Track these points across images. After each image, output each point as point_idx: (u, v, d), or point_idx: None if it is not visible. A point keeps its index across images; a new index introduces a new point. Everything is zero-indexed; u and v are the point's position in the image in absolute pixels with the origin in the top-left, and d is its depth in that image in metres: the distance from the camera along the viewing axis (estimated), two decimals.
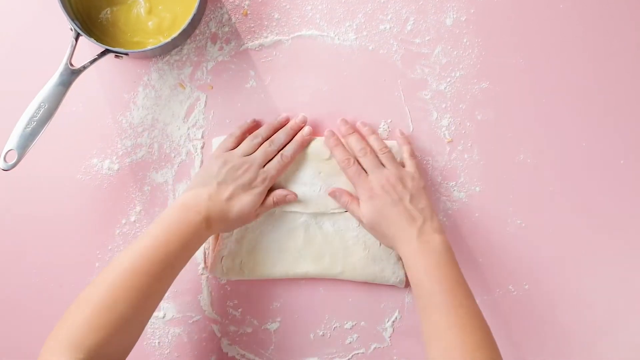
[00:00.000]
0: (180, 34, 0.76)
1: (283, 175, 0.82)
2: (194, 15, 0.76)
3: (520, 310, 0.85)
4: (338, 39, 0.85)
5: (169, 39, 0.76)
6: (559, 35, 0.85)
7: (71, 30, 0.75)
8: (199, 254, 0.84)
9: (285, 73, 0.85)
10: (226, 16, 0.84)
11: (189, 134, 0.84)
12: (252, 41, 0.85)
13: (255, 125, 0.83)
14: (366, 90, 0.85)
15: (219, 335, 0.85)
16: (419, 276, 0.70)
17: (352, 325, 0.85)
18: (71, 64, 0.74)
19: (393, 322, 0.85)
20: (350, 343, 0.85)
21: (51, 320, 0.82)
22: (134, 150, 0.84)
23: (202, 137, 0.84)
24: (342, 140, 0.81)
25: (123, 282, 0.65)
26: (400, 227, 0.74)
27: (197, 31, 0.84)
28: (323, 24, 0.85)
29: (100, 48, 0.75)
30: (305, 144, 0.81)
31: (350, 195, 0.80)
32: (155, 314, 0.84)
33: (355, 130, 0.81)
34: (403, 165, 0.80)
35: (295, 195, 0.80)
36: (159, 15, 0.80)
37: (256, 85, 0.85)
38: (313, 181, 0.82)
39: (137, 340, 0.67)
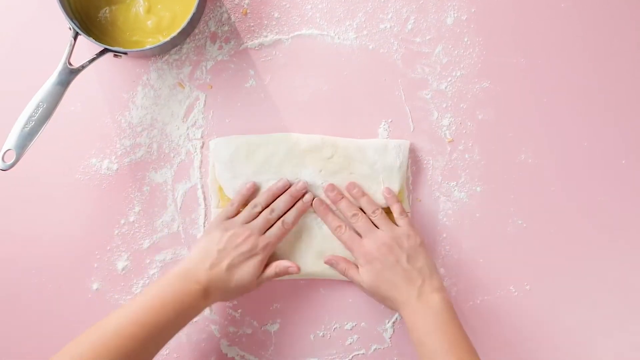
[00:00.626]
0: (179, 33, 0.76)
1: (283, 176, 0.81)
2: (193, 14, 0.76)
3: (522, 311, 0.84)
4: (338, 38, 0.84)
5: (168, 38, 0.76)
6: (560, 35, 0.85)
7: (70, 29, 0.75)
8: None
9: (285, 72, 0.84)
10: (225, 15, 0.84)
11: (188, 134, 0.84)
12: (252, 40, 0.84)
13: (254, 188, 0.81)
14: (366, 90, 0.84)
15: (218, 336, 0.84)
16: (420, 337, 0.71)
17: (353, 326, 0.84)
18: (70, 63, 0.74)
19: (393, 323, 0.84)
20: (350, 344, 0.84)
21: (49, 321, 0.83)
22: (133, 150, 0.84)
23: (202, 136, 0.84)
24: (333, 206, 0.81)
25: (106, 343, 0.64)
26: (399, 289, 0.74)
27: (196, 30, 0.84)
28: (323, 23, 0.84)
29: (99, 47, 0.75)
30: (305, 211, 0.81)
31: (347, 261, 0.79)
32: None
33: (343, 196, 0.80)
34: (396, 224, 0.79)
35: (298, 267, 0.79)
36: (158, 14, 0.80)
37: (256, 85, 0.84)
38: (314, 180, 0.81)
39: None
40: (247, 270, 0.76)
